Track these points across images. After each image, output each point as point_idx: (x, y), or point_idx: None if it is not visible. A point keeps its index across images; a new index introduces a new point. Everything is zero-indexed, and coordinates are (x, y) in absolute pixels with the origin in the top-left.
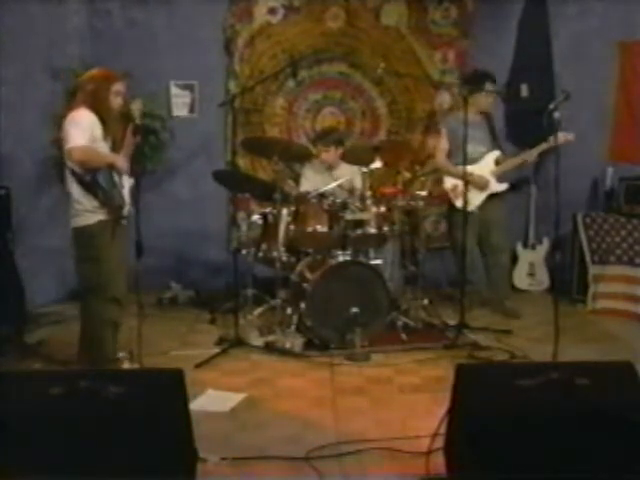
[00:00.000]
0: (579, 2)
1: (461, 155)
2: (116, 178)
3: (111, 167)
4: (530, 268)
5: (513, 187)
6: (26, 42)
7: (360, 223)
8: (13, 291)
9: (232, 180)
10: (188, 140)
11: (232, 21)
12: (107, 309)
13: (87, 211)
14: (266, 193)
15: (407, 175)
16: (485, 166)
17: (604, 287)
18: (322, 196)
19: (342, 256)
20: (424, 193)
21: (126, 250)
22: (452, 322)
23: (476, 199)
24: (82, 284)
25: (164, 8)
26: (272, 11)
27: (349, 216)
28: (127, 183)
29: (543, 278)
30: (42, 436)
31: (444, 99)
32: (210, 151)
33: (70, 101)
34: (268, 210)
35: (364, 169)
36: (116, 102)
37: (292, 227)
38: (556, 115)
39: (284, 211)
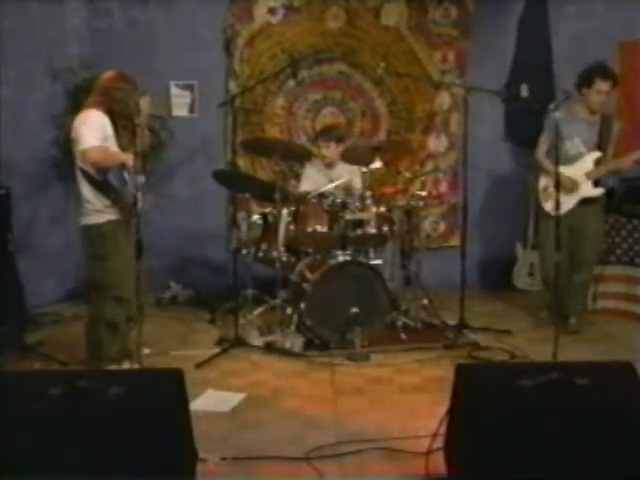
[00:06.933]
0: (579, 2)
1: (558, 153)
2: (127, 177)
3: (122, 166)
4: (530, 268)
5: (609, 194)
6: (26, 42)
7: (360, 223)
8: (13, 291)
9: (232, 180)
10: (188, 140)
11: (232, 21)
12: (110, 308)
13: (97, 211)
14: (266, 193)
15: (407, 175)
16: (581, 167)
17: (604, 287)
18: (322, 196)
19: (342, 256)
20: (424, 193)
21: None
22: (452, 322)
23: (565, 203)
24: (88, 281)
25: (164, 8)
26: (272, 11)
27: (349, 216)
28: (140, 180)
29: None
30: (42, 436)
31: (444, 99)
32: (210, 151)
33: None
34: (268, 210)
35: (364, 169)
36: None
37: (292, 227)
38: (556, 115)
39: (284, 211)
